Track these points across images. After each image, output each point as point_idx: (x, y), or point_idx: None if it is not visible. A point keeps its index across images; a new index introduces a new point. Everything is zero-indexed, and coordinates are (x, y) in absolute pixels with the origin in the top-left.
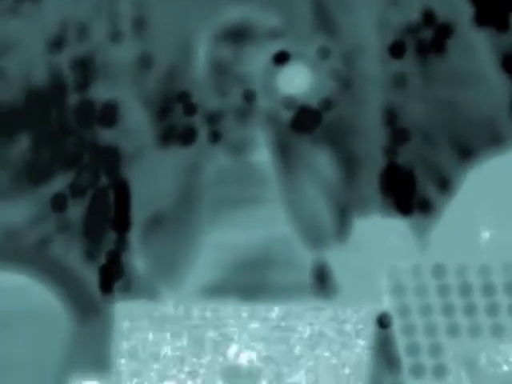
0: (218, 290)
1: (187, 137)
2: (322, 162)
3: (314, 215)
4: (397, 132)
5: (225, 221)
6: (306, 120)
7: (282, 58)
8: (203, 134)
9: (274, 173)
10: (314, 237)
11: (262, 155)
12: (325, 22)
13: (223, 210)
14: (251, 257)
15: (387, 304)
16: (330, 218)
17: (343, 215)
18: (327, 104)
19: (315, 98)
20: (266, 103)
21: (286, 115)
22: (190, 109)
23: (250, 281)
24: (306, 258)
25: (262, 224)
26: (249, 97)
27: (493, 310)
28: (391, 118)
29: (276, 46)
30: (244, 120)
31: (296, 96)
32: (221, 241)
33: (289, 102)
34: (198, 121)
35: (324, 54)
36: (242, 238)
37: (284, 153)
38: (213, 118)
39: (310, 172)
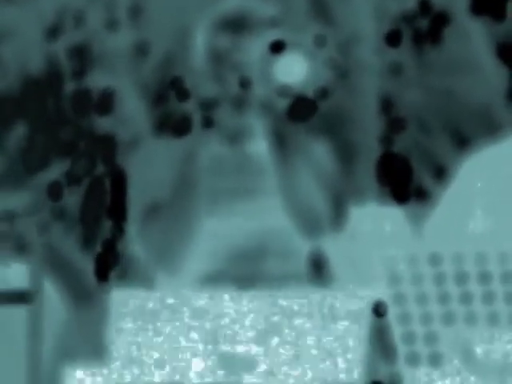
0: (215, 279)
1: (184, 125)
2: (318, 151)
3: (310, 204)
4: (393, 120)
5: (221, 210)
6: (301, 109)
7: (278, 47)
8: (199, 122)
9: (271, 162)
10: (310, 226)
11: (259, 145)
12: (321, 10)
13: (220, 199)
14: (248, 246)
15: (383, 292)
16: (325, 207)
17: (339, 204)
18: (323, 93)
19: (311, 87)
20: (262, 92)
21: (282, 104)
22: (183, 94)
23: (246, 270)
24: (303, 247)
25: (259, 213)
26: (245, 85)
27: (488, 298)
28: (387, 106)
29: (273, 35)
30: (240, 108)
31: (292, 85)
32: (217, 230)
33: (285, 90)
34: (193, 108)
35: (320, 42)
36: (238, 227)
37: (280, 142)
38: (208, 106)
39: (306, 161)
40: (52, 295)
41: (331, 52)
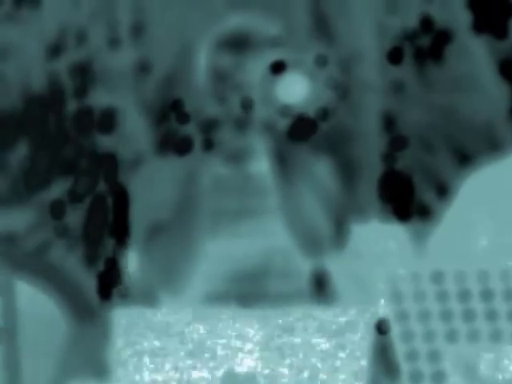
0: (217, 299)
1: (186, 144)
2: (320, 169)
3: (313, 224)
4: (395, 138)
5: (224, 230)
6: (302, 129)
7: (279, 68)
8: (201, 143)
9: (273, 182)
10: (313, 246)
11: (261, 165)
12: (323, 28)
13: (222, 219)
14: (250, 266)
15: (386, 310)
16: (328, 226)
17: (341, 223)
18: (324, 113)
19: (312, 107)
20: (264, 112)
21: (284, 124)
22: (183, 117)
23: (249, 290)
24: (305, 266)
25: (261, 233)
26: (246, 105)
27: (491, 315)
28: (389, 124)
29: (274, 55)
30: (242, 129)
31: (293, 105)
32: (220, 250)
33: (286, 110)
34: (194, 129)
35: (322, 62)
36: (241, 247)
37: (282, 162)
38: (210, 126)
39: (308, 180)
40: (55, 313)
41: (333, 72)
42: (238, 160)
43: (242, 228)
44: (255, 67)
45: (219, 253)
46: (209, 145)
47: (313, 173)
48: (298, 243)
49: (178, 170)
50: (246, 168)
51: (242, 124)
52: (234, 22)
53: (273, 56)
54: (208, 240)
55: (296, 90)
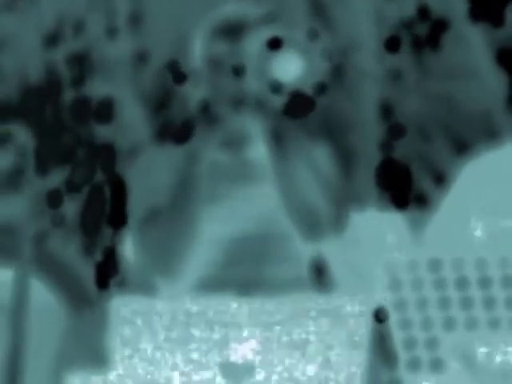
0: (215, 285)
1: (183, 133)
2: (318, 156)
3: (312, 208)
4: (393, 127)
5: (221, 216)
6: (299, 106)
7: (275, 44)
8: (198, 129)
9: (271, 167)
10: (312, 229)
11: (258, 150)
12: (321, 16)
13: (219, 205)
14: (248, 251)
15: (384, 298)
16: (327, 210)
17: (340, 207)
18: (321, 89)
19: (308, 83)
20: (260, 90)
21: (280, 103)
22: (180, 77)
23: (247, 276)
24: (304, 252)
25: (259, 218)
26: (241, 80)
27: (489, 303)
28: (387, 112)
29: (268, 33)
30: (238, 109)
31: (289, 82)
32: (217, 236)
33: (282, 88)
34: (193, 112)
35: (313, 35)
36: (238, 232)
37: (280, 147)
38: (207, 108)
39: (306, 166)
40: (52, 303)
41: (326, 44)
42: (235, 145)
43: (240, 213)
44: (250, 46)
45: (217, 238)
46: (206, 124)
47: (311, 159)
48: (296, 227)
49: (175, 158)
50: (243, 153)
51: (238, 106)
52: (230, 9)
53: (266, 35)
54: (205, 225)
55: (291, 66)
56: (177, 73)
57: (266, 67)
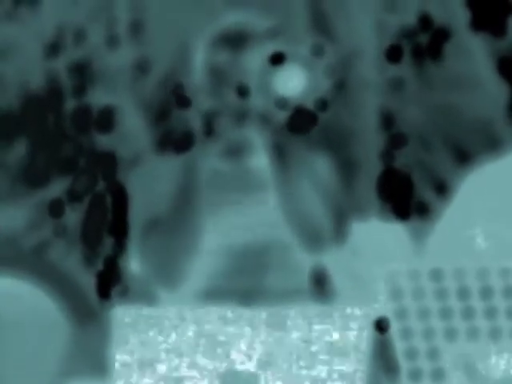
0: (216, 295)
1: (184, 142)
2: (319, 166)
3: (312, 218)
4: (394, 136)
5: (223, 225)
6: (301, 121)
7: (278, 59)
8: (199, 138)
9: (272, 177)
10: (312, 240)
11: (260, 159)
12: (322, 26)
13: (221, 214)
14: (249, 261)
15: (385, 308)
16: (327, 220)
17: (341, 219)
18: (323, 104)
19: (311, 98)
20: (262, 105)
21: (282, 117)
22: (184, 101)
23: (248, 285)
24: (304, 262)
25: (260, 228)
26: (244, 98)
27: (491, 313)
28: (388, 122)
29: (271, 47)
30: (240, 122)
31: (292, 97)
32: (219, 245)
33: (284, 103)
34: (194, 122)
35: (318, 51)
36: (239, 242)
37: (281, 157)
38: (208, 119)
39: (307, 176)
40: (54, 313)
41: (330, 60)
42: (237, 155)
43: (241, 222)
44: (252, 62)
45: (218, 247)
46: (210, 134)
47: (312, 168)
48: (297, 237)
49: (176, 167)
50: (245, 163)
51: (240, 118)
52: (232, 18)
53: (269, 49)
54: (206, 235)
55: (294, 81)
56: (180, 97)
57: (268, 82)
